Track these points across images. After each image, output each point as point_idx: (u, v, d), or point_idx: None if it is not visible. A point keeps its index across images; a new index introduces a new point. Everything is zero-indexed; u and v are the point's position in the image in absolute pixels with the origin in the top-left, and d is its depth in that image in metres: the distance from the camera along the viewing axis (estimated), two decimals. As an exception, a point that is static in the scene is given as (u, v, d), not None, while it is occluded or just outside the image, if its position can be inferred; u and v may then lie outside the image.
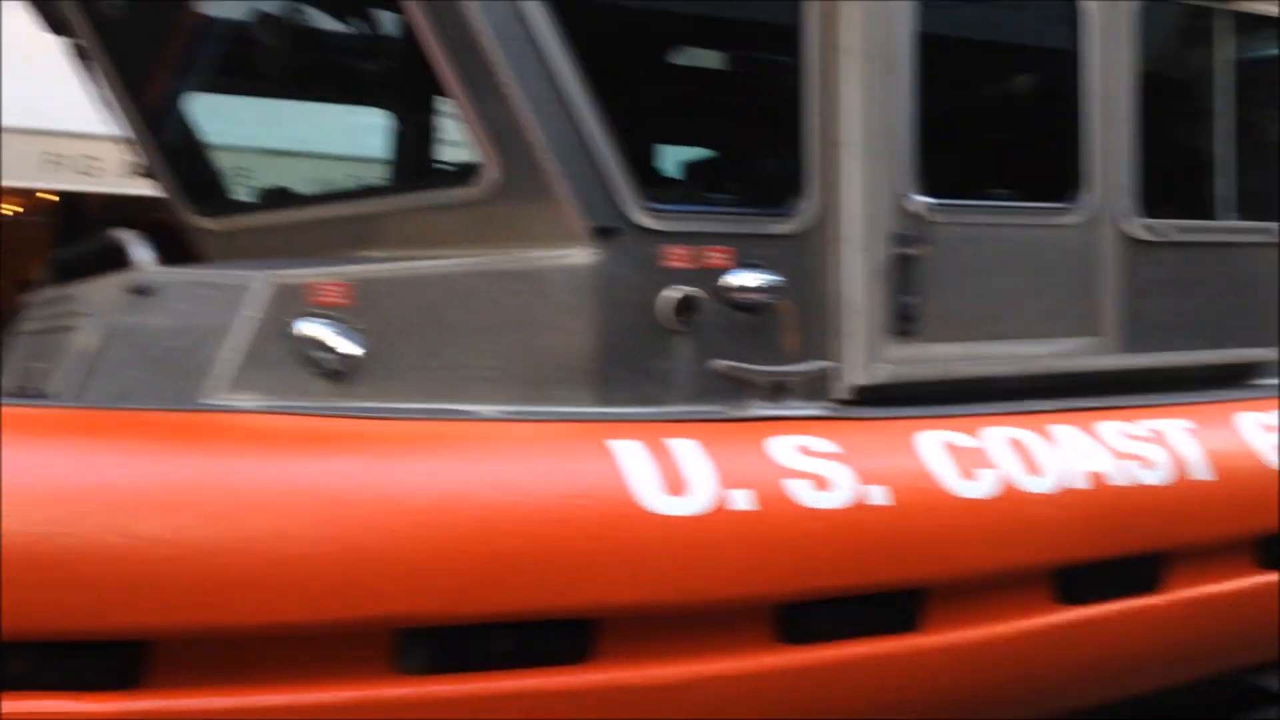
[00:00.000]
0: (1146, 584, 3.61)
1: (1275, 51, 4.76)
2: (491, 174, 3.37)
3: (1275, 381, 4.52)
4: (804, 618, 3.11)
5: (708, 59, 4.82)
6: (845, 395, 3.69)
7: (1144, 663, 3.70)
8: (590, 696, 2.88)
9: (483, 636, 2.82)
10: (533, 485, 2.88)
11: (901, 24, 3.73)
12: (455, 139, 3.64)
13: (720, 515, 3.03)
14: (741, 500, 3.07)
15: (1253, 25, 4.76)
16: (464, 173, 3.50)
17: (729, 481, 3.08)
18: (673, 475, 3.04)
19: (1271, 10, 4.65)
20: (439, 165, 3.85)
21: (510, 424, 3.14)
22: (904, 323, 3.73)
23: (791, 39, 3.66)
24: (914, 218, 3.72)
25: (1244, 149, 4.78)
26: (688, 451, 3.11)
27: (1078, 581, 3.49)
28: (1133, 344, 4.21)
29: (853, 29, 3.66)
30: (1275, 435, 4.01)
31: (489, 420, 3.15)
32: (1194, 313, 4.40)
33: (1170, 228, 4.33)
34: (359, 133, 4.82)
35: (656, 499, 2.99)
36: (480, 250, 3.37)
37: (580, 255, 3.33)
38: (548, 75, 3.28)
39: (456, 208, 3.48)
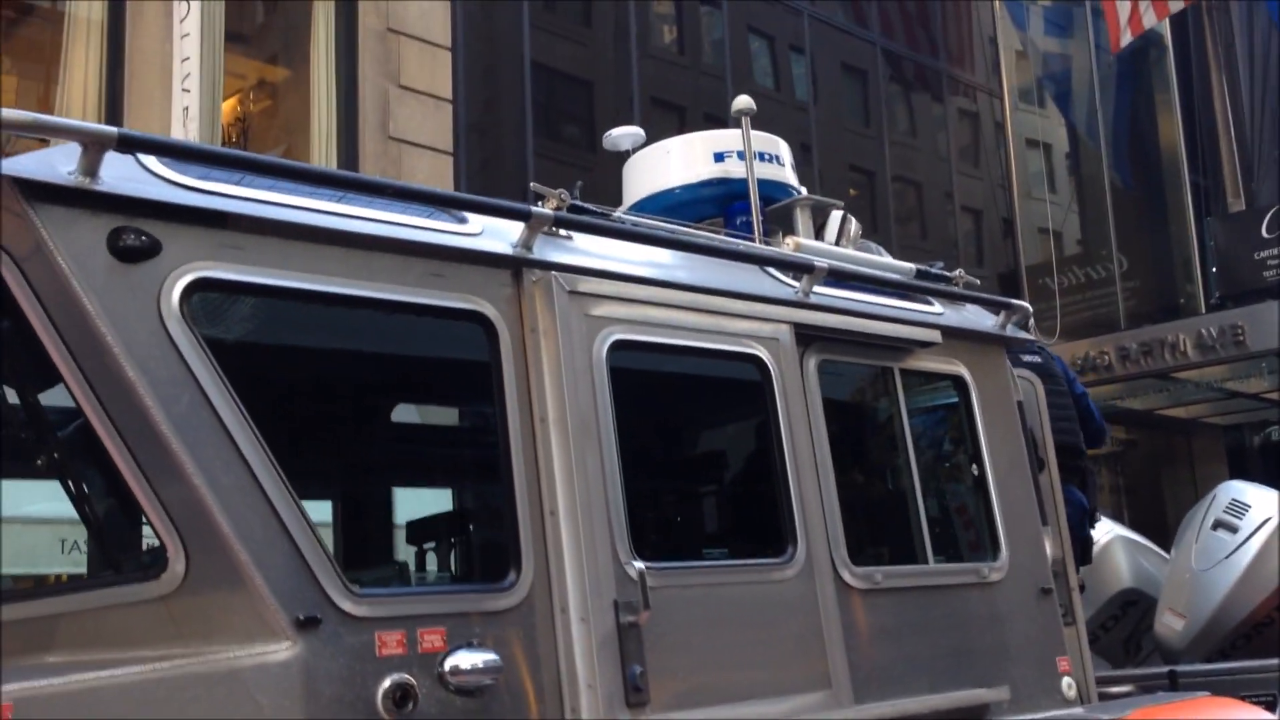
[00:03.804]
0: None
1: (949, 400, 5.04)
2: (176, 566, 3.08)
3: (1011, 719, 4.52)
4: None
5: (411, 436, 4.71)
6: (584, 780, 3.44)
7: None
8: None
9: None
10: None
11: (600, 393, 3.73)
12: (137, 529, 3.32)
13: None
14: None
15: (922, 380, 5.04)
16: (147, 565, 3.19)
17: None
18: None
19: (931, 366, 4.93)
20: (119, 557, 3.51)
21: None
22: (634, 694, 3.55)
23: (493, 408, 3.59)
24: (632, 584, 3.62)
25: (936, 493, 4.96)
26: None
27: None
28: (863, 694, 4.13)
29: (548, 399, 3.63)
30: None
31: None
32: (918, 658, 4.39)
33: (881, 574, 4.36)
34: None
35: None
36: (168, 651, 3.03)
37: (280, 651, 3.04)
38: (234, 458, 3.07)
39: (142, 605, 3.13)
